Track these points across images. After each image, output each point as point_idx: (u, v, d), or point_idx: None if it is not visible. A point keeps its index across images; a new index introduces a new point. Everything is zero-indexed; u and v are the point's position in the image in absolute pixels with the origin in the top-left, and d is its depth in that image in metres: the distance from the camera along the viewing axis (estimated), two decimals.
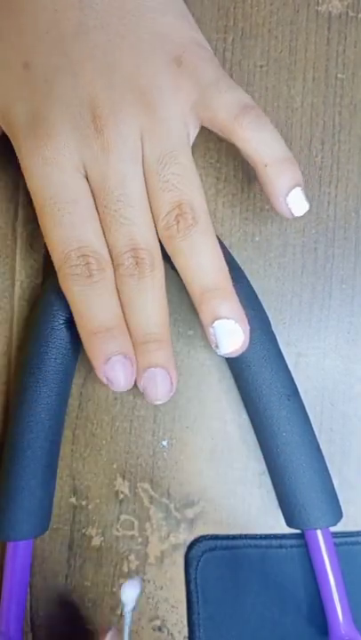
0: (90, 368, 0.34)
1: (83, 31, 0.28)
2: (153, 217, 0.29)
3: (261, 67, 0.34)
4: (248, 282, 0.32)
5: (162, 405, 0.34)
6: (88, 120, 0.28)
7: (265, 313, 0.32)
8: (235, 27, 0.34)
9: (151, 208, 0.29)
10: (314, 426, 0.32)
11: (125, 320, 0.29)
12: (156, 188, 0.29)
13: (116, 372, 0.29)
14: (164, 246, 0.29)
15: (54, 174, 0.28)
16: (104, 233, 0.29)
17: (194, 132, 0.30)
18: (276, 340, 0.32)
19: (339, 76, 0.34)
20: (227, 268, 0.29)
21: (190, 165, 0.29)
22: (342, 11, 0.34)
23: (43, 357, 0.31)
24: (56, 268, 0.29)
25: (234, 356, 0.29)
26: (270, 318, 0.33)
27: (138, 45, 0.28)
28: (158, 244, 0.29)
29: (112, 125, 0.28)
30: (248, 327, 0.29)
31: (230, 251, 0.33)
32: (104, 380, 0.29)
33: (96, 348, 0.29)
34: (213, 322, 0.29)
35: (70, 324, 0.31)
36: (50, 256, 0.33)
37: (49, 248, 0.29)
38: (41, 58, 0.28)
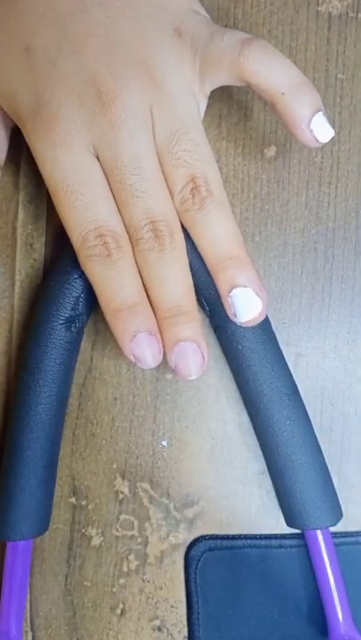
0: (90, 367, 0.34)
1: (81, 9, 0.28)
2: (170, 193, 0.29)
3: None
4: None
5: (161, 405, 0.34)
6: (94, 97, 0.27)
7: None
8: (235, 27, 0.34)
9: (167, 185, 0.29)
10: (314, 426, 0.32)
11: (149, 297, 0.29)
12: (168, 165, 0.28)
13: (142, 349, 0.29)
14: (181, 220, 0.29)
15: (64, 157, 0.28)
16: (119, 210, 0.29)
17: (203, 103, 0.30)
18: (276, 339, 0.32)
19: (339, 76, 0.34)
20: (242, 239, 0.29)
21: (202, 140, 0.29)
22: (342, 11, 0.34)
23: (42, 357, 0.31)
24: (76, 251, 0.29)
25: (252, 324, 0.29)
26: (270, 318, 0.33)
27: (138, 19, 0.28)
28: (176, 215, 0.29)
29: (119, 100, 0.27)
30: (266, 295, 0.29)
31: None
32: (131, 359, 0.29)
33: (120, 327, 0.29)
34: (231, 290, 0.29)
35: (70, 323, 0.31)
36: (48, 256, 0.33)
37: (67, 232, 0.29)
38: (41, 40, 0.28)
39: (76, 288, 0.31)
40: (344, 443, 0.34)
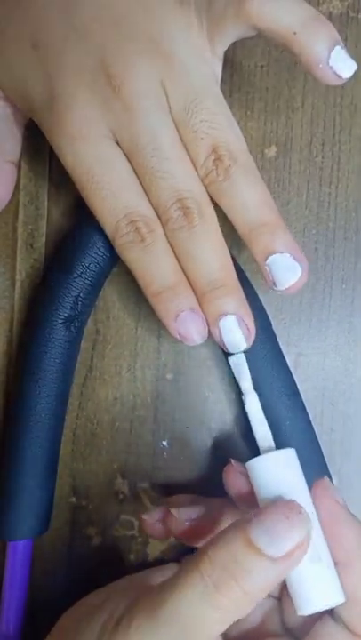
0: (90, 367, 0.34)
1: None
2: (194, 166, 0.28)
3: (262, 67, 0.34)
4: (249, 282, 0.32)
5: (162, 405, 0.34)
6: (104, 82, 0.27)
7: (266, 313, 0.32)
8: None
9: (190, 159, 0.28)
10: (314, 426, 0.32)
11: (186, 275, 0.29)
12: (188, 138, 0.28)
13: (186, 328, 0.28)
14: (209, 193, 0.29)
15: (84, 149, 0.28)
16: (146, 193, 0.28)
17: (218, 67, 0.29)
18: (276, 339, 0.32)
19: None
20: (273, 202, 0.29)
21: (218, 106, 0.28)
22: (343, 11, 0.34)
23: (42, 357, 0.31)
24: (111, 241, 0.29)
25: (293, 292, 0.29)
26: (271, 318, 0.33)
27: None
28: (204, 189, 0.29)
29: (129, 81, 0.27)
30: (305, 260, 0.28)
31: (231, 251, 0.33)
32: (178, 338, 0.29)
33: (163, 308, 0.29)
34: (267, 258, 0.28)
35: (69, 323, 0.31)
36: (48, 256, 0.33)
37: (100, 224, 0.29)
38: (48, 34, 0.28)
39: (76, 287, 0.31)
40: (344, 443, 0.34)
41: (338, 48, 0.26)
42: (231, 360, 0.29)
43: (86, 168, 0.28)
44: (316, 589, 0.24)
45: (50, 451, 0.32)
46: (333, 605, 0.25)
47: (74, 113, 0.27)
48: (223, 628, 0.23)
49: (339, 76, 0.27)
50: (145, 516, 0.30)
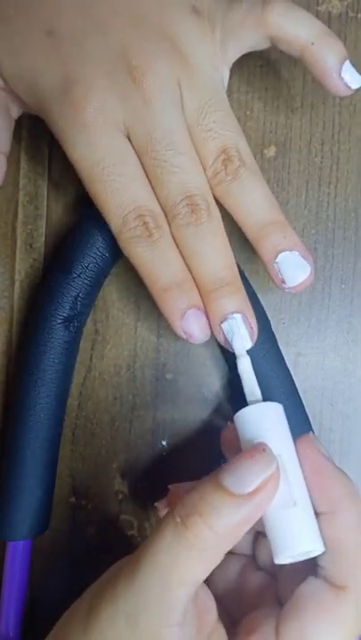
0: (89, 367, 0.34)
1: None
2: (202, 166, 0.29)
3: (261, 67, 0.34)
4: (248, 282, 0.32)
5: (161, 405, 0.34)
6: (125, 73, 0.27)
7: (265, 313, 0.32)
8: None
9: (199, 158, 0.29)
10: (314, 426, 0.32)
11: (191, 271, 0.29)
12: (199, 138, 0.28)
13: (191, 326, 0.29)
14: (215, 194, 0.29)
15: (98, 138, 0.28)
16: (154, 189, 0.28)
17: (227, 74, 0.30)
18: (275, 339, 0.32)
19: None
20: (279, 205, 0.29)
21: (229, 110, 0.29)
22: (342, 11, 0.34)
23: (41, 357, 0.31)
24: (115, 234, 0.29)
25: (300, 290, 0.29)
26: (270, 318, 0.33)
27: None
28: (210, 189, 0.29)
29: (150, 75, 0.27)
30: (311, 260, 0.29)
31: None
32: (183, 335, 0.29)
33: (170, 306, 0.29)
34: (277, 256, 0.28)
35: (69, 323, 0.31)
36: (48, 255, 0.33)
37: (105, 217, 0.29)
38: (65, 23, 0.28)
39: (75, 287, 0.31)
40: (343, 443, 0.34)
41: (348, 62, 0.29)
42: (226, 324, 0.29)
43: (99, 158, 0.28)
44: (293, 535, 0.24)
45: (49, 451, 0.32)
46: (312, 554, 0.24)
47: (91, 101, 0.27)
48: (201, 575, 0.23)
49: (349, 87, 0.29)
50: (156, 504, 0.30)
